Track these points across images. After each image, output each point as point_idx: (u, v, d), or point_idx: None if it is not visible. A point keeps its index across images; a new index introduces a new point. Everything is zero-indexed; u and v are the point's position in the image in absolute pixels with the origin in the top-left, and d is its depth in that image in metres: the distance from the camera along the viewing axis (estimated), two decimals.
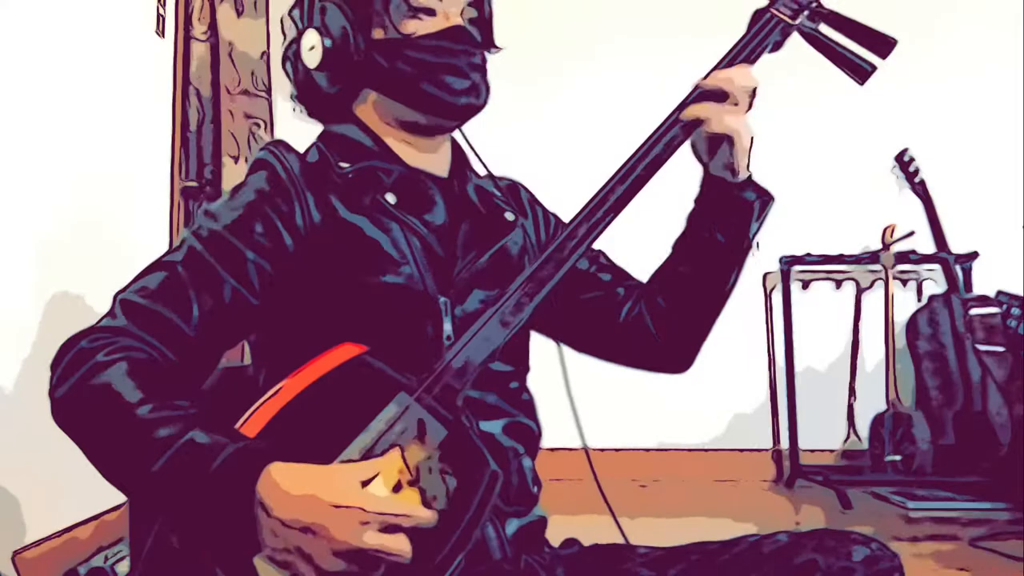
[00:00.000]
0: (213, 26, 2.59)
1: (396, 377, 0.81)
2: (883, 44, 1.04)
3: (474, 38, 1.01)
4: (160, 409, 0.76)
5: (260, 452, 0.75)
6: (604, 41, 3.30)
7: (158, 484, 0.75)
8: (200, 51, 2.57)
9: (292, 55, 1.04)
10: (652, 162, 0.95)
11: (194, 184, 2.55)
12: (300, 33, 1.02)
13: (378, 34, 0.99)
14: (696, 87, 0.99)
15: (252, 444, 0.76)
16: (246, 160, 2.57)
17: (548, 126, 3.22)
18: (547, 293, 0.88)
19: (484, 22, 1.05)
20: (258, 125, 2.62)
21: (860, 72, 1.04)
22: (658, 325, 1.10)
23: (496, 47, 1.07)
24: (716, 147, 1.01)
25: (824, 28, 1.06)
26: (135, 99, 2.30)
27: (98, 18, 2.09)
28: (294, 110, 1.08)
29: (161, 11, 2.43)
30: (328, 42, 0.98)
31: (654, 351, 1.12)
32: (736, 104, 0.98)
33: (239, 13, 2.62)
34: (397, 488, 0.75)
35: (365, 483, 0.74)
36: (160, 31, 2.44)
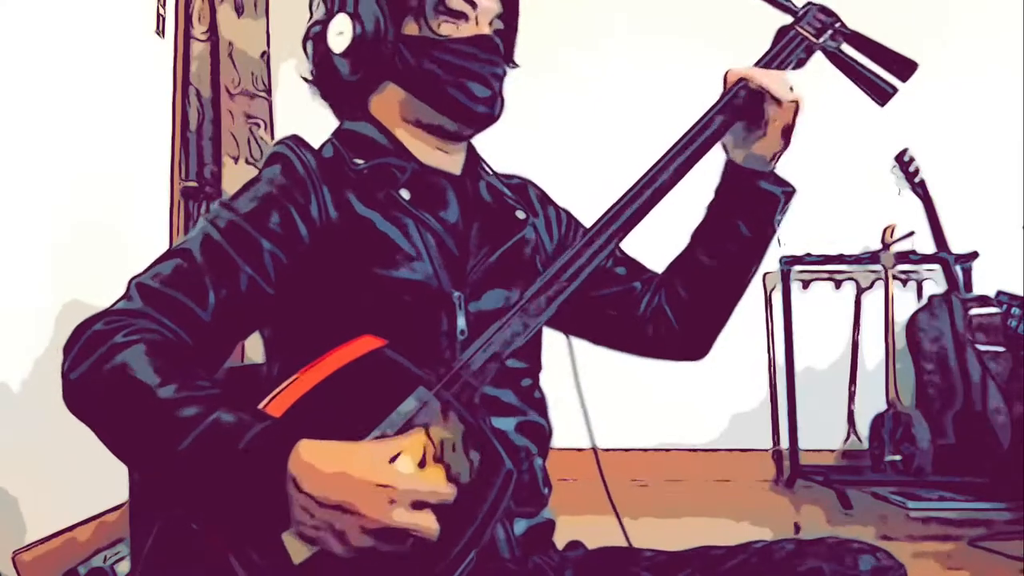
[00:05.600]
0: (213, 26, 2.59)
1: (416, 372, 0.81)
2: (904, 66, 1.06)
3: (500, 49, 1.02)
4: (183, 389, 0.76)
5: (289, 430, 0.75)
6: (605, 35, 3.30)
7: (184, 464, 0.75)
8: (200, 51, 2.56)
9: (315, 35, 1.03)
10: (696, 151, 0.98)
11: (194, 184, 2.54)
12: (329, 14, 1.00)
13: (410, 30, 0.98)
14: (742, 81, 1.02)
15: (280, 422, 0.77)
16: (246, 160, 2.57)
17: (549, 121, 3.21)
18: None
19: (509, 36, 1.05)
20: (258, 125, 2.61)
21: (881, 93, 1.06)
22: (679, 315, 1.12)
23: (515, 63, 1.08)
24: (754, 133, 1.03)
25: (846, 48, 1.08)
26: (135, 99, 2.30)
27: (98, 18, 2.08)
28: (312, 93, 1.07)
29: (161, 11, 2.42)
30: (359, 30, 0.97)
31: (673, 341, 1.14)
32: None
33: (239, 13, 2.61)
34: (422, 464, 0.76)
35: (392, 460, 0.74)
36: (160, 31, 2.44)
